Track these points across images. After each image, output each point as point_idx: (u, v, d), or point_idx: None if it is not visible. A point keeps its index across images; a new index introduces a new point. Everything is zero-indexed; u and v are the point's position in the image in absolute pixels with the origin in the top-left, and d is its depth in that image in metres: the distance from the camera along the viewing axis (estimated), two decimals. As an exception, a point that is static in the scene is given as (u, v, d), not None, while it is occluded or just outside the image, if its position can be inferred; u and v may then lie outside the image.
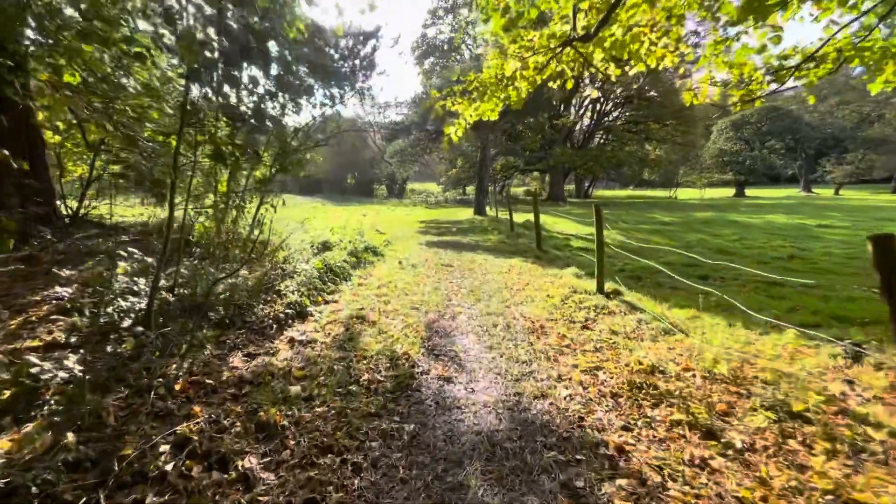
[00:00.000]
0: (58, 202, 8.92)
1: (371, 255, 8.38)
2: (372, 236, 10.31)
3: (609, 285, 5.78)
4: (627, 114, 32.81)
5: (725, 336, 4.23)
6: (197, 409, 2.87)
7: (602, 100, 34.28)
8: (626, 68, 5.13)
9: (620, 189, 64.55)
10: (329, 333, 4.36)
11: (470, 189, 47.81)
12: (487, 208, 19.88)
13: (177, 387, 3.15)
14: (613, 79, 5.00)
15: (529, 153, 25.49)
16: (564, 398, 3.15)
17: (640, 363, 3.59)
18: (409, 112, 19.75)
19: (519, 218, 17.01)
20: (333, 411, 2.94)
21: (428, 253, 9.23)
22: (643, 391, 3.20)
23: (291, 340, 4.14)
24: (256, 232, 7.12)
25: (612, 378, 3.42)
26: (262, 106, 4.71)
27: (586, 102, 34.37)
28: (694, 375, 3.38)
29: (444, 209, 27.37)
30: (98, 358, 3.46)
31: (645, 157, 30.78)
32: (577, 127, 35.38)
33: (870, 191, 45.69)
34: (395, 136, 19.57)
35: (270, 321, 4.58)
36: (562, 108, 31.10)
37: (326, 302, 5.43)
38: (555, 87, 5.16)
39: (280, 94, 5.14)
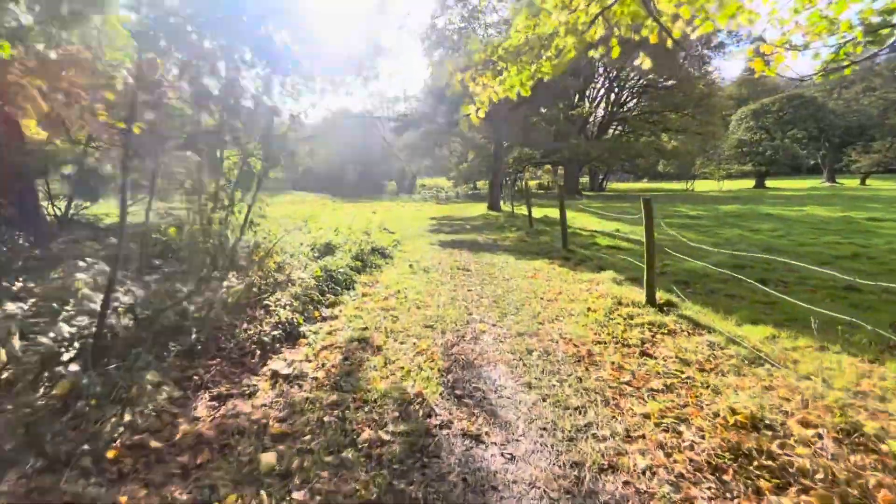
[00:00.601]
0: (46, 203, 8.21)
1: (378, 257, 7.48)
2: (380, 236, 9.42)
3: (660, 295, 4.80)
4: (643, 104, 31.42)
5: (821, 365, 3.25)
6: (123, 499, 2.00)
7: (617, 90, 32.92)
8: (688, 29, 4.11)
9: (634, 181, 62.91)
10: (323, 364, 3.46)
11: (481, 184, 46.74)
12: (502, 203, 18.87)
13: (109, 454, 2.29)
14: (674, 37, 4.00)
15: (549, 144, 24.36)
16: (643, 472, 2.22)
17: (735, 412, 2.63)
18: (419, 104, 18.78)
19: (535, 213, 15.96)
20: (318, 498, 2.05)
21: (441, 254, 8.31)
22: (754, 462, 2.24)
23: (275, 375, 3.26)
24: (250, 234, 6.27)
25: (702, 438, 2.47)
26: (237, 80, 3.81)
27: (601, 93, 33.06)
28: (820, 436, 2.41)
29: (456, 205, 26.41)
30: (20, 407, 2.62)
31: (662, 148, 29.40)
32: (592, 119, 34.05)
33: (897, 180, 43.57)
34: (405, 129, 18.64)
35: (253, 346, 3.71)
36: (577, 99, 29.86)
37: (324, 318, 4.54)
38: (597, 55, 4.17)
39: (262, 69, 4.24)
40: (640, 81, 30.43)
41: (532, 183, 50.79)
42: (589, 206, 20.51)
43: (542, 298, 5.18)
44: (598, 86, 32.95)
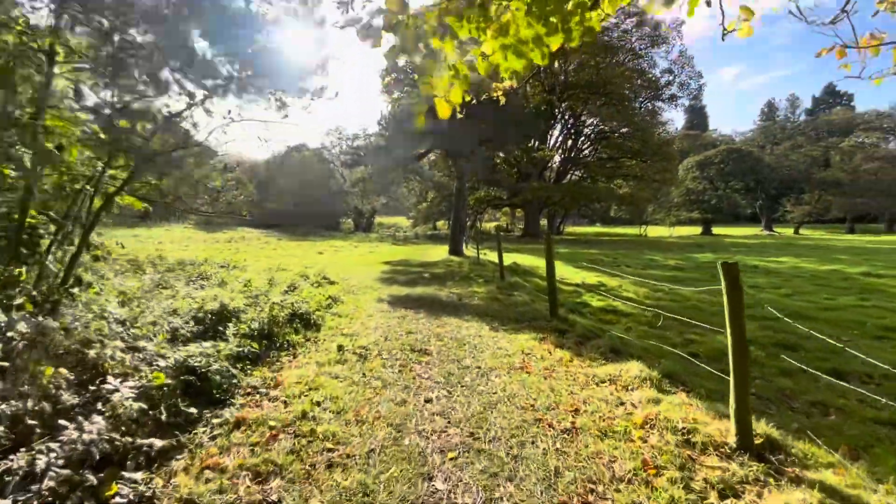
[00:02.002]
0: None
1: (297, 330, 5.10)
2: (310, 293, 7.02)
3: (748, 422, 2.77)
4: (600, 151, 31.42)
5: None
6: None
7: (574, 135, 32.89)
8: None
9: (587, 226, 63.81)
10: None
11: (441, 224, 45.14)
12: (464, 247, 16.94)
13: None
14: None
15: (513, 185, 23.10)
16: None
17: None
18: (375, 136, 16.91)
19: (494, 257, 13.98)
20: None
21: (391, 320, 6.04)
22: None
23: None
24: (72, 302, 3.81)
25: None
26: None
27: (559, 139, 32.89)
28: None
29: (415, 246, 24.31)
30: None
31: (621, 193, 29.13)
32: (550, 164, 33.69)
33: (825, 230, 46.25)
34: (359, 162, 16.58)
35: None
36: (537, 144, 29.26)
37: (118, 510, 2.11)
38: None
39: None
40: (598, 128, 30.48)
41: (491, 225, 49.91)
42: (556, 252, 19.05)
43: (550, 426, 3.01)
44: (556, 133, 32.81)
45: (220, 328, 4.54)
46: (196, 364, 3.37)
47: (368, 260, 15.04)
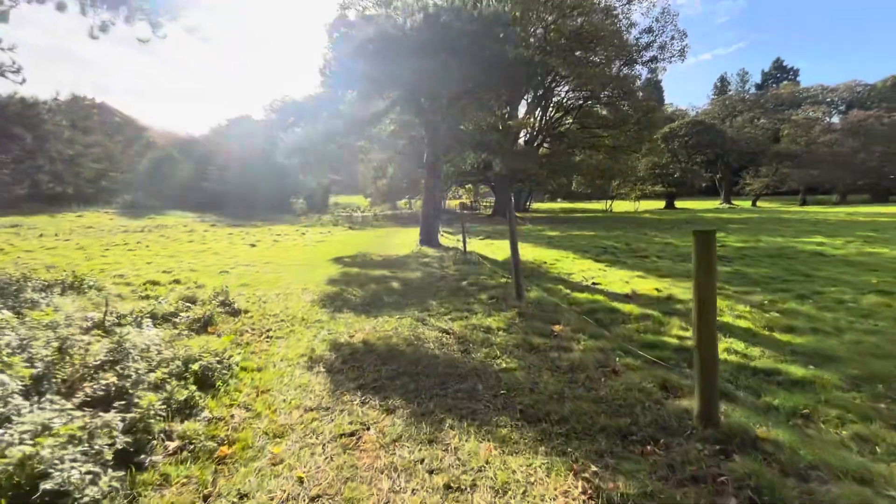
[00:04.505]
0: None
1: None
2: (152, 374, 3.13)
3: None
4: (578, 119, 28.20)
5: None
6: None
7: (546, 101, 29.49)
8: None
9: (550, 201, 61.46)
10: None
11: (403, 203, 40.91)
12: (440, 235, 13.26)
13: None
14: None
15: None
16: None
17: None
18: (315, 90, 12.61)
19: (480, 247, 10.56)
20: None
21: (325, 469, 2.35)
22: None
23: None
24: None
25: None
26: None
27: (531, 103, 29.34)
28: None
29: (374, 231, 20.32)
30: None
31: (601, 164, 26.21)
32: (518, 135, 30.19)
33: (780, 202, 46.35)
34: (296, 123, 12.29)
35: None
36: (507, 110, 25.58)
37: None
38: None
39: None
40: (574, 94, 27.16)
41: (454, 203, 46.20)
42: (542, 235, 15.73)
43: None
44: (528, 100, 29.22)
45: None
46: None
47: (314, 255, 11.04)
